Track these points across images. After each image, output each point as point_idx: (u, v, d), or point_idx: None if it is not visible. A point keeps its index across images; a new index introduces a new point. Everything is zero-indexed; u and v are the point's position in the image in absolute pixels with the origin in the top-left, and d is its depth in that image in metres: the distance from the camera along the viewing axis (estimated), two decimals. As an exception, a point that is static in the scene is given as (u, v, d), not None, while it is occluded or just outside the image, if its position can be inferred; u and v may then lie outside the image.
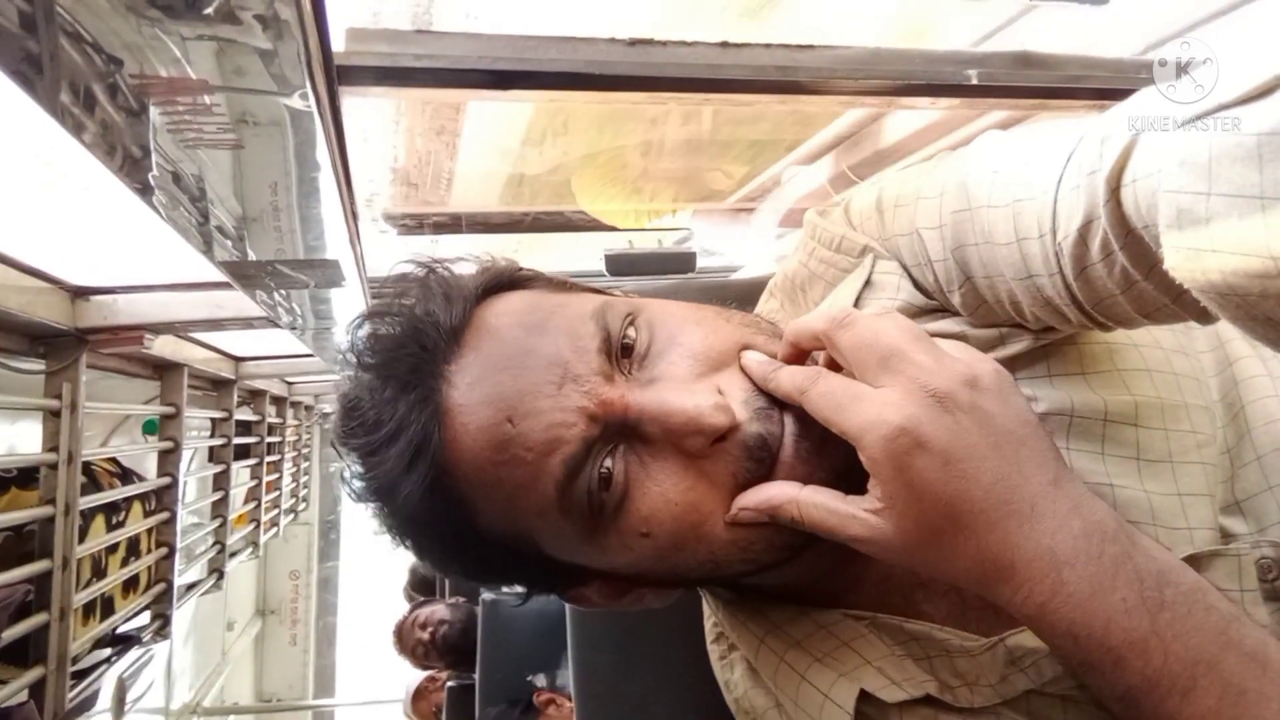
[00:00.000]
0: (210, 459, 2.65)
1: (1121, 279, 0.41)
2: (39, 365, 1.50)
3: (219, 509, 2.70)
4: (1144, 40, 0.91)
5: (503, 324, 0.47)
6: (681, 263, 1.32)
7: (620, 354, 0.47)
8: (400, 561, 4.17)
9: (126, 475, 1.95)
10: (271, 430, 3.20)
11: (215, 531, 2.70)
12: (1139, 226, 0.37)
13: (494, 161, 1.26)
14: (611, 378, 0.46)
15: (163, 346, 1.74)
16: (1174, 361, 0.51)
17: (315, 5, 0.52)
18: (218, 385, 2.55)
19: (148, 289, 1.55)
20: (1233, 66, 0.34)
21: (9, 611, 1.34)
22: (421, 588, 3.76)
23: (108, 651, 1.94)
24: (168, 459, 2.12)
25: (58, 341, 1.49)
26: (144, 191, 0.67)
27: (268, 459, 3.23)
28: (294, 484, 4.16)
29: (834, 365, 0.45)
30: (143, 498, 1.99)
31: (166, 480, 2.10)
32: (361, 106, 0.78)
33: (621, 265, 1.54)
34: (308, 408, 4.22)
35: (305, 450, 4.59)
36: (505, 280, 0.52)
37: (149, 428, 2.27)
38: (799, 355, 0.47)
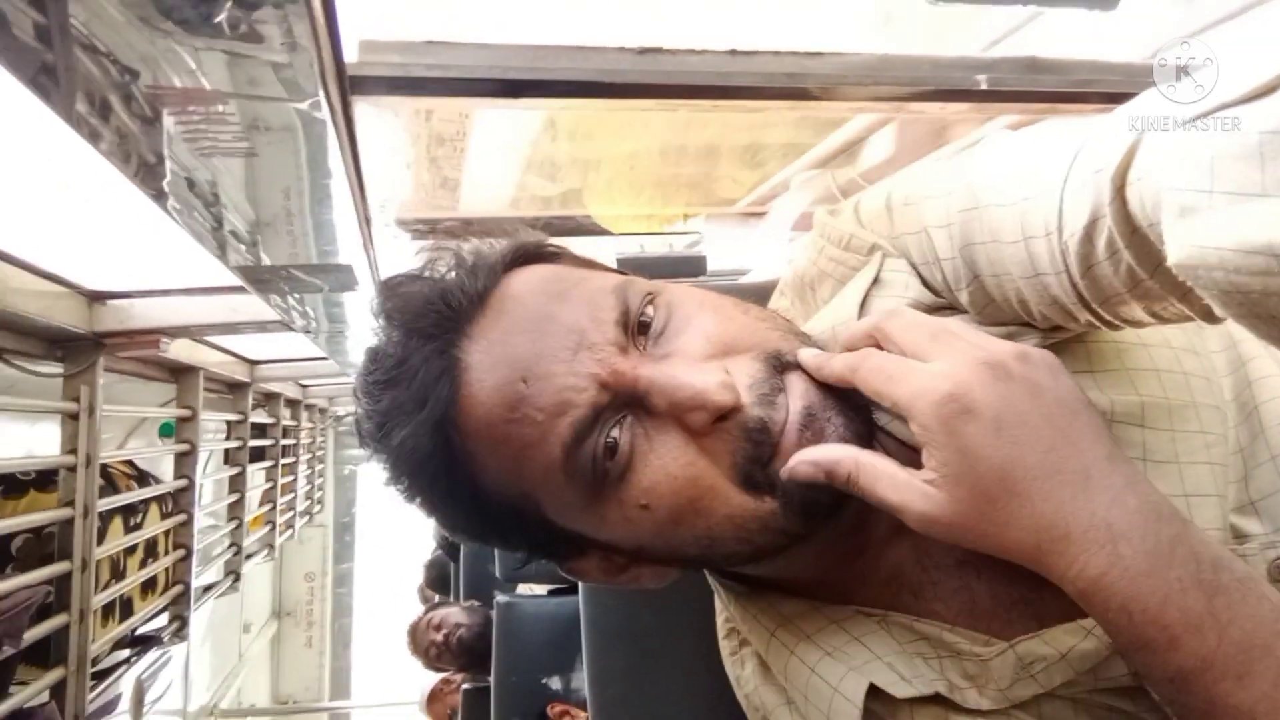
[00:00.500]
0: (226, 461, 2.67)
1: (1127, 277, 0.41)
2: (57, 369, 1.51)
3: (235, 511, 2.73)
4: (1153, 44, 0.91)
5: (526, 291, 0.49)
6: (692, 266, 1.32)
7: (637, 330, 0.48)
8: (415, 563, 4.19)
9: (143, 478, 1.97)
10: (286, 433, 3.23)
11: (231, 534, 2.73)
12: (1144, 225, 0.38)
13: (505, 167, 1.27)
14: (626, 350, 0.46)
15: (179, 350, 1.76)
16: (1184, 361, 0.50)
17: (328, 19, 0.53)
18: (233, 388, 2.57)
19: (164, 293, 1.57)
20: (1234, 66, 0.34)
21: (31, 612, 1.35)
22: (437, 585, 3.77)
23: (127, 653, 1.96)
24: (184, 461, 2.15)
25: (75, 345, 1.51)
26: (159, 197, 0.68)
27: (283, 461, 3.26)
28: (309, 486, 4.19)
29: None
30: (160, 500, 2.01)
31: (183, 482, 2.12)
32: (375, 114, 0.78)
33: (633, 269, 1.53)
34: (322, 410, 4.25)
35: (320, 453, 4.63)
36: (533, 252, 0.53)
37: (165, 430, 2.29)
38: None
